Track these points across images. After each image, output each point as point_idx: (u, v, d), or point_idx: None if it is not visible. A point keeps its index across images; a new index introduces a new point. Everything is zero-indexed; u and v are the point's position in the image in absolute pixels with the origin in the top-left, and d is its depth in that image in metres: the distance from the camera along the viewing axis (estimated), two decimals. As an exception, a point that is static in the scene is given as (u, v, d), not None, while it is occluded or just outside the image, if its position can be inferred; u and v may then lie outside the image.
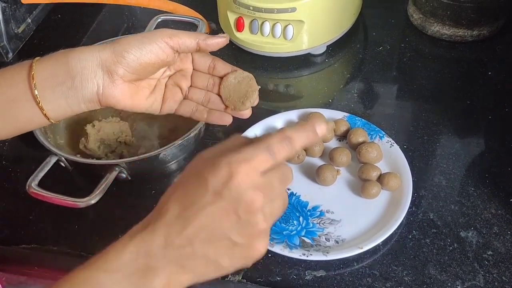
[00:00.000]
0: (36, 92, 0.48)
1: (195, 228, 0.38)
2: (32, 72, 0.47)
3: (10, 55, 0.83)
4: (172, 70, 0.54)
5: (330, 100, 0.78)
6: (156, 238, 0.38)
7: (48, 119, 0.49)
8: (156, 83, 0.53)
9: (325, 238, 0.60)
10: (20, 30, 0.85)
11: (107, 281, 0.38)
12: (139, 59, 0.49)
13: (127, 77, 0.49)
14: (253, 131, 0.70)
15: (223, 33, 0.79)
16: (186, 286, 0.40)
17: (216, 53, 0.85)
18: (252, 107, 0.79)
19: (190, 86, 0.55)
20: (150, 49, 0.49)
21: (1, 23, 0.81)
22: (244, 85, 0.53)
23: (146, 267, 0.38)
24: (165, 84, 0.54)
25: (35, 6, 0.88)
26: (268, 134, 0.40)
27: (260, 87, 0.54)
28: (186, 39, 0.50)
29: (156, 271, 0.38)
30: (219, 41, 0.52)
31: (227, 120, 0.54)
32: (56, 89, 0.48)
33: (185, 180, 0.40)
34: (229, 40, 0.85)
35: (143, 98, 0.52)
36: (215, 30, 0.90)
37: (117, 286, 0.38)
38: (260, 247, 0.39)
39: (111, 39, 0.70)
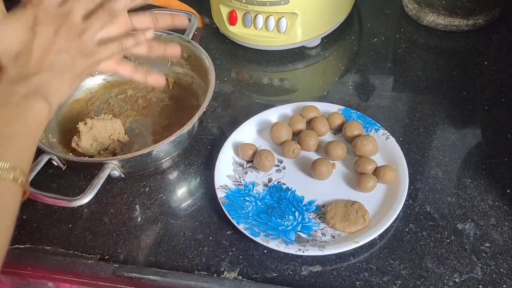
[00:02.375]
0: None
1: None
2: None
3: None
4: None
5: (325, 93, 0.77)
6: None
7: None
8: None
9: (321, 233, 0.59)
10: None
11: None
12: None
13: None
14: (247, 126, 0.69)
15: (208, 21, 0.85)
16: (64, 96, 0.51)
17: (209, 47, 0.84)
18: (246, 100, 0.79)
19: None
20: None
21: None
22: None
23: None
24: None
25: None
26: None
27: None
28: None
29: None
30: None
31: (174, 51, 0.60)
32: None
33: None
34: (223, 34, 0.85)
35: None
36: (208, 24, 0.89)
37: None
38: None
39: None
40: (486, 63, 0.78)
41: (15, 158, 0.45)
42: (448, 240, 0.58)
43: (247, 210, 0.61)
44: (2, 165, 0.44)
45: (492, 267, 0.55)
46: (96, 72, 0.76)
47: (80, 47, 0.51)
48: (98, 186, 0.58)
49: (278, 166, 0.66)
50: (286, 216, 0.61)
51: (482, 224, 0.59)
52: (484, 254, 0.56)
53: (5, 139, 0.46)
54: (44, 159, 0.62)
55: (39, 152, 0.62)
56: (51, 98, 0.49)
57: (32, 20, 0.50)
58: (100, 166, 0.61)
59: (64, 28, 0.50)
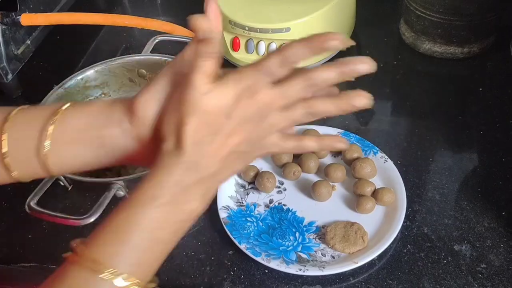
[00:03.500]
0: None
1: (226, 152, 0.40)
2: None
3: (10, 76, 0.85)
4: None
5: (325, 117, 0.79)
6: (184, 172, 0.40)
7: None
8: None
9: (321, 253, 0.60)
10: (19, 51, 0.87)
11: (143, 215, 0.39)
12: None
13: None
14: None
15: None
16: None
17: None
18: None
19: None
20: None
21: (1, 44, 0.82)
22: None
23: (180, 196, 0.40)
24: None
25: (34, 28, 0.90)
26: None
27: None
28: None
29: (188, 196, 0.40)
30: None
31: None
32: None
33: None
34: (226, 60, 0.87)
35: None
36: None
37: (154, 216, 0.39)
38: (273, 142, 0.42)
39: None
40: (481, 89, 0.80)
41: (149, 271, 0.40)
42: (445, 261, 0.59)
43: (248, 231, 0.63)
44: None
45: (488, 287, 0.56)
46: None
47: (264, 143, 0.42)
48: (104, 205, 0.60)
49: (279, 187, 0.68)
50: (287, 236, 0.62)
51: (478, 245, 0.60)
52: (480, 275, 0.58)
53: (155, 243, 0.40)
54: (51, 179, 0.63)
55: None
56: (208, 199, 0.42)
57: (235, 102, 0.39)
58: (106, 186, 0.62)
59: (262, 125, 0.41)
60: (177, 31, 0.88)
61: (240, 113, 0.39)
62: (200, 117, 0.39)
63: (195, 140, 0.39)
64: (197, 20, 0.39)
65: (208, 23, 0.39)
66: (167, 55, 0.79)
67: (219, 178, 0.42)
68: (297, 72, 0.40)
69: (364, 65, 0.40)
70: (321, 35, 0.39)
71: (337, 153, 0.71)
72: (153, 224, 0.39)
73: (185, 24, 0.90)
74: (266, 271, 0.60)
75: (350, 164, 0.68)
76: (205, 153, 0.40)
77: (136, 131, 0.44)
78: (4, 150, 0.44)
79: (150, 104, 0.43)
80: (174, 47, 0.90)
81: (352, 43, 0.39)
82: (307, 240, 0.62)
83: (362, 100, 0.42)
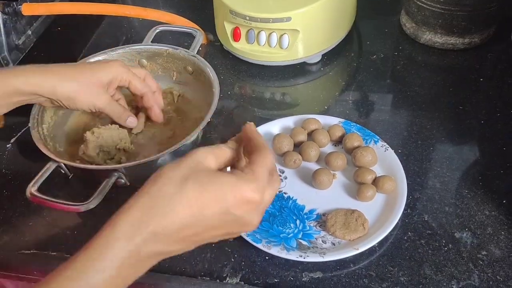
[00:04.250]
0: None
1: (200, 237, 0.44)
2: None
3: (11, 65, 0.85)
4: None
5: (326, 107, 0.79)
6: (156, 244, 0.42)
7: None
8: None
9: (322, 240, 0.60)
10: (20, 41, 0.87)
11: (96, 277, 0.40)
12: None
13: None
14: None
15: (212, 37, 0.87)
16: None
17: (213, 63, 0.87)
18: (249, 114, 0.80)
19: None
20: None
21: (2, 34, 0.82)
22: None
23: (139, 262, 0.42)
24: None
25: (35, 18, 0.90)
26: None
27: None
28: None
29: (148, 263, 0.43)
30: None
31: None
32: None
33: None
34: (227, 50, 0.87)
35: None
36: (212, 40, 0.92)
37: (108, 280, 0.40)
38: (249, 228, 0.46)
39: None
40: (481, 79, 0.80)
41: None
42: (446, 248, 0.59)
43: (249, 218, 0.63)
44: None
45: (489, 274, 0.57)
46: None
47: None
48: (105, 192, 0.60)
49: (280, 175, 0.68)
50: (288, 224, 0.62)
51: (479, 233, 0.60)
52: (481, 262, 0.58)
53: None
54: (52, 166, 0.63)
55: (47, 160, 0.64)
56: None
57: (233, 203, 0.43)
58: (106, 173, 0.62)
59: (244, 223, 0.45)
60: (177, 22, 0.88)
61: (237, 213, 0.44)
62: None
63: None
64: None
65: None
66: (167, 45, 0.79)
67: (176, 253, 0.45)
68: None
69: None
70: None
71: (337, 142, 0.71)
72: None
73: (185, 14, 0.91)
74: (267, 257, 0.60)
75: (351, 152, 0.68)
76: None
77: None
78: None
79: None
80: (174, 37, 0.90)
81: None
82: (308, 228, 0.62)
83: None
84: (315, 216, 0.63)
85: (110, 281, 0.40)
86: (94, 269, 0.40)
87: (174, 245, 0.43)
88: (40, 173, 0.62)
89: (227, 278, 0.58)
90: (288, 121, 0.73)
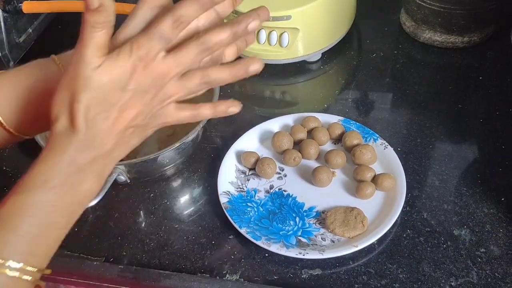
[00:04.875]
0: None
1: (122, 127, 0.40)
2: None
3: (11, 64, 0.85)
4: None
5: (326, 106, 0.79)
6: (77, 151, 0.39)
7: None
8: None
9: (321, 238, 0.61)
10: (21, 39, 0.87)
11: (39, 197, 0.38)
12: None
13: None
14: (250, 135, 0.71)
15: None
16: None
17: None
18: (249, 113, 0.81)
19: None
20: None
21: (3, 32, 0.82)
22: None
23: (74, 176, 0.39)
24: None
25: (36, 16, 0.90)
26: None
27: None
28: None
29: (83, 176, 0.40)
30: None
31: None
32: None
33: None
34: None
35: None
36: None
37: (46, 200, 0.38)
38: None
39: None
40: (481, 78, 0.80)
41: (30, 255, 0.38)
42: (445, 246, 0.59)
43: (249, 215, 0.63)
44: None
45: (487, 271, 0.57)
46: None
47: (159, 114, 0.42)
48: (106, 188, 0.60)
49: (280, 173, 0.68)
50: (287, 221, 0.63)
51: (477, 230, 0.61)
52: (479, 259, 0.58)
53: (48, 229, 0.39)
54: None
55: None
56: (103, 177, 0.42)
57: (129, 74, 0.38)
58: (107, 170, 0.63)
59: (158, 96, 0.40)
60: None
61: (135, 86, 0.38)
62: (93, 93, 0.37)
63: (88, 117, 0.38)
64: None
65: None
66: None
67: (115, 155, 0.41)
68: (190, 38, 0.39)
69: (255, 22, 0.40)
70: None
71: (337, 140, 0.72)
72: (46, 208, 0.38)
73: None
74: (266, 254, 0.60)
75: (350, 150, 0.68)
76: (100, 130, 0.38)
77: None
78: None
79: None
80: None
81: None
82: (307, 225, 0.62)
83: (255, 65, 0.42)
84: (314, 213, 0.63)
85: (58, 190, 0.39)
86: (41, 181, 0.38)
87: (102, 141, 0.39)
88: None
89: (227, 275, 0.58)
90: (288, 119, 0.73)
